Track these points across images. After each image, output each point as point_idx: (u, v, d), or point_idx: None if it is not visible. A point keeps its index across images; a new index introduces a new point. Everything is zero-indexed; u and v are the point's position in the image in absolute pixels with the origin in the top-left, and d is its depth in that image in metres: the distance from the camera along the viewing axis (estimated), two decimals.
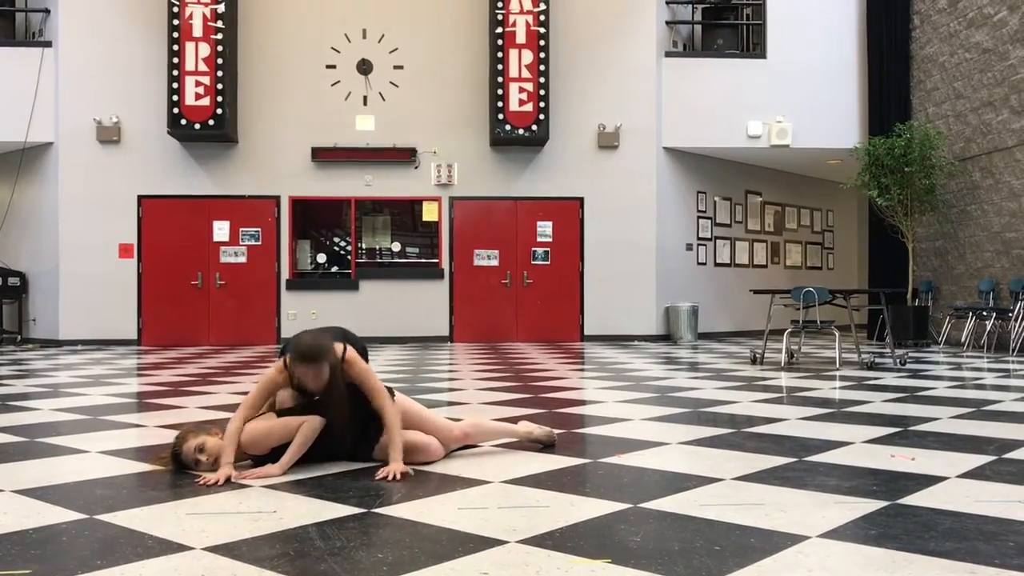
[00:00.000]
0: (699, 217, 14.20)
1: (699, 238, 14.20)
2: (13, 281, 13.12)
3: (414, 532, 2.85)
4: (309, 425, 3.75)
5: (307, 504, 3.23)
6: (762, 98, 13.32)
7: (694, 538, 2.79)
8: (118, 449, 4.37)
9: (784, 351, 9.15)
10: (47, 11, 12.92)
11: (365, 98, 13.15)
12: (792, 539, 2.75)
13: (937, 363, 9.41)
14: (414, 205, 13.37)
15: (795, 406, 5.91)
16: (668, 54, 13.49)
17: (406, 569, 2.45)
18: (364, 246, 13.35)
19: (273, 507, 3.17)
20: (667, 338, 13.39)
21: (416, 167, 13.20)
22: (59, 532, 2.87)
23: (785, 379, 7.73)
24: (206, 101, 12.32)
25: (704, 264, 14.30)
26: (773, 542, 2.72)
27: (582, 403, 6.30)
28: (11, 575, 2.40)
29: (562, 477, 3.70)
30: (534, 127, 12.70)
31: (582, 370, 8.92)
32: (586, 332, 13.39)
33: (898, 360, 9.10)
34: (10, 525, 2.92)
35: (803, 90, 13.39)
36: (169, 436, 4.75)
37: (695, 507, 3.15)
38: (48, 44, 12.83)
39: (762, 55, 13.51)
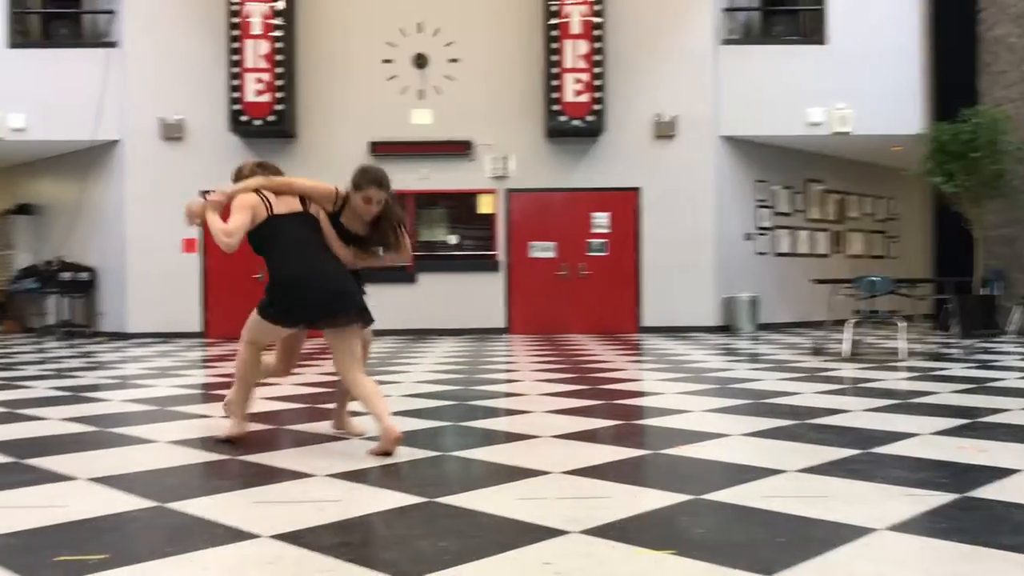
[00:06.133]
0: (758, 206, 14.00)
1: (758, 228, 14.01)
2: (83, 276, 13.50)
3: (475, 521, 2.87)
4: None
5: (370, 493, 3.27)
6: (822, 85, 13.06)
7: (758, 530, 2.76)
8: (185, 439, 4.47)
9: (847, 342, 8.99)
10: (112, 12, 13.23)
11: (421, 92, 13.22)
12: (858, 531, 2.70)
13: (1006, 353, 9.15)
14: (470, 198, 13.41)
15: (859, 397, 5.80)
16: (726, 41, 13.32)
17: (469, 558, 2.47)
18: (421, 239, 13.44)
19: (337, 496, 3.22)
20: (726, 329, 13.25)
21: (472, 160, 13.24)
22: (131, 519, 2.95)
23: (848, 370, 7.59)
24: (266, 98, 12.51)
25: (764, 254, 14.11)
26: (839, 534, 2.68)
27: (641, 394, 6.27)
28: (88, 560, 2.48)
29: (622, 468, 3.70)
30: (590, 117, 12.64)
31: (640, 361, 8.87)
32: (643, 323, 13.31)
33: (965, 350, 8.87)
34: (85, 512, 3.01)
35: (865, 76, 13.09)
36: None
37: (758, 499, 3.12)
38: (113, 45, 13.14)
39: (822, 41, 13.25)
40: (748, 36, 13.68)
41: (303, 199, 4.30)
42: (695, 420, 4.95)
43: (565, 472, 3.55)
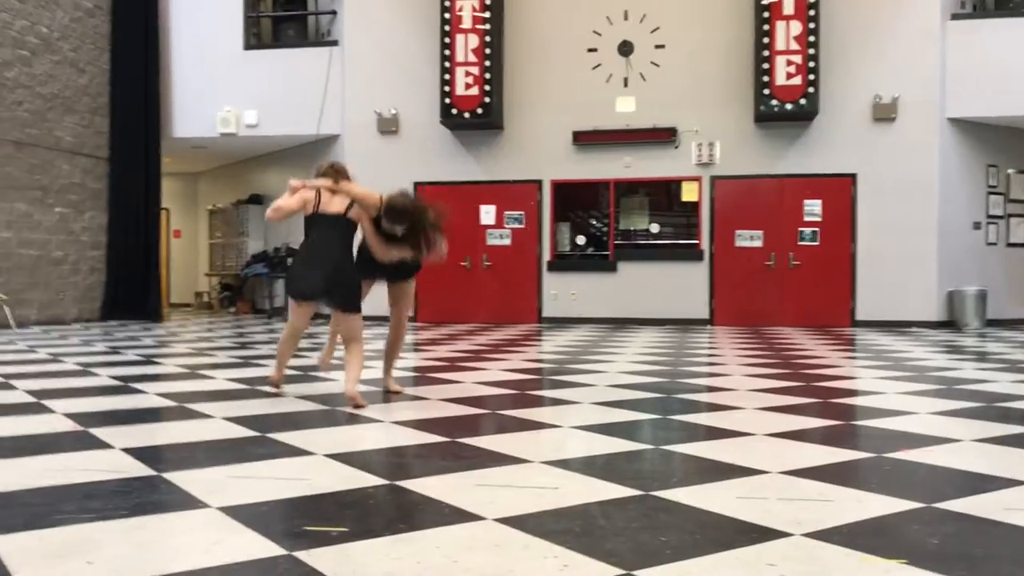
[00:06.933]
0: (989, 193, 12.98)
1: (989, 216, 12.99)
2: None
3: (694, 518, 2.85)
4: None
5: (586, 483, 3.32)
6: None
7: (1000, 544, 2.59)
8: (405, 420, 4.72)
9: None
10: (334, 13, 14.03)
11: (626, 80, 13.17)
12: None
13: None
14: (673, 185, 13.25)
15: None
16: (955, 16, 12.41)
17: (690, 554, 2.47)
18: (622, 227, 13.42)
19: (555, 483, 3.30)
20: (950, 324, 12.40)
21: (676, 147, 13.06)
22: (367, 495, 3.15)
23: None
24: (475, 91, 12.88)
25: (994, 244, 13.07)
26: None
27: (858, 393, 6.00)
28: (331, 531, 2.68)
29: (844, 471, 3.56)
30: (802, 101, 12.15)
31: (855, 357, 8.48)
32: (857, 317, 12.68)
33: None
34: (326, 486, 3.24)
35: None
36: (449, 410, 5.06)
37: (999, 511, 2.92)
38: (335, 44, 13.93)
39: None
40: (980, 9, 12.67)
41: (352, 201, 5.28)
42: (920, 422, 4.69)
43: (782, 472, 3.46)
